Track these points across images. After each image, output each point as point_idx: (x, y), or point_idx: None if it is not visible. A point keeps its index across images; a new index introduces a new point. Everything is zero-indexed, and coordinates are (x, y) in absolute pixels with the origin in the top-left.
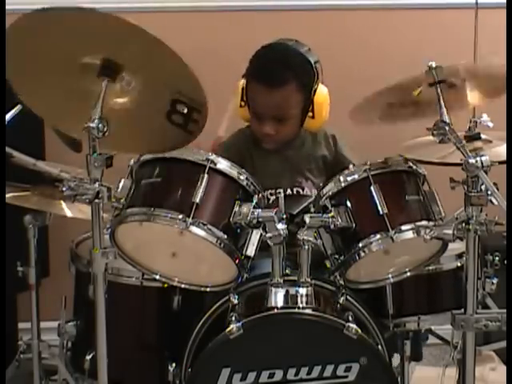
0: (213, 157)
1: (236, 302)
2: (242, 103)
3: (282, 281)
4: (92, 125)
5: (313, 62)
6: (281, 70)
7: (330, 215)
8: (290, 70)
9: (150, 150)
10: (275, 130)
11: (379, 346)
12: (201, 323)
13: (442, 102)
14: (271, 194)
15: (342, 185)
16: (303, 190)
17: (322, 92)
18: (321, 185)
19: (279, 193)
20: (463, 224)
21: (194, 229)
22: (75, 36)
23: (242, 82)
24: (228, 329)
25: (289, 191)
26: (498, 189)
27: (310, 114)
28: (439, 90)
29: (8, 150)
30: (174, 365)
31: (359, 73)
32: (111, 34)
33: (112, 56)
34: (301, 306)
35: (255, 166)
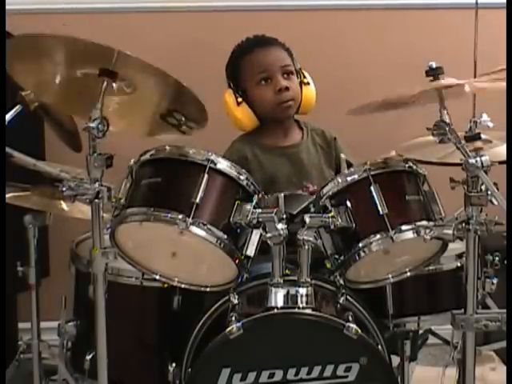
0: (213, 157)
1: (236, 301)
2: (239, 99)
3: (281, 281)
4: (92, 125)
5: None
6: (265, 37)
7: (330, 215)
8: (271, 38)
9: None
10: (287, 83)
11: (379, 346)
12: (201, 323)
13: (442, 103)
14: None
15: (342, 185)
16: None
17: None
18: None
19: None
20: (463, 224)
21: (194, 229)
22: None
23: (226, 92)
24: (228, 329)
25: None
26: (498, 189)
27: (305, 79)
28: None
29: (8, 150)
30: (173, 365)
31: (358, 73)
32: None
33: (109, 67)
34: (301, 305)
35: (263, 171)
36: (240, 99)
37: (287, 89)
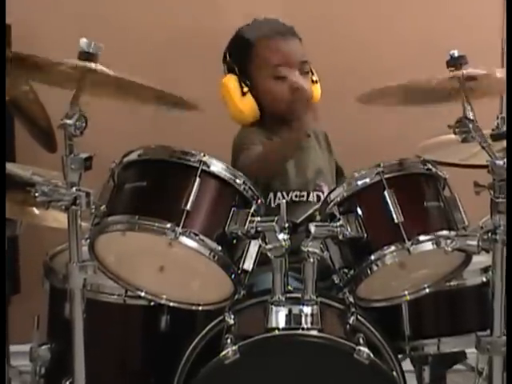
0: (205, 158)
1: (232, 322)
2: (245, 89)
3: (283, 298)
4: (69, 121)
5: None
6: (285, 25)
7: (338, 224)
8: (290, 27)
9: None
10: (305, 83)
11: (394, 373)
12: (192, 346)
13: (465, 97)
14: (296, 196)
15: (352, 190)
16: (323, 194)
17: None
18: None
19: (302, 196)
20: (489, 234)
21: (184, 239)
22: None
23: (228, 77)
24: (223, 353)
25: (312, 195)
26: None
27: (314, 77)
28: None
29: None
30: None
31: (372, 63)
32: None
33: None
34: (305, 326)
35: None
36: (246, 89)
37: (300, 86)
